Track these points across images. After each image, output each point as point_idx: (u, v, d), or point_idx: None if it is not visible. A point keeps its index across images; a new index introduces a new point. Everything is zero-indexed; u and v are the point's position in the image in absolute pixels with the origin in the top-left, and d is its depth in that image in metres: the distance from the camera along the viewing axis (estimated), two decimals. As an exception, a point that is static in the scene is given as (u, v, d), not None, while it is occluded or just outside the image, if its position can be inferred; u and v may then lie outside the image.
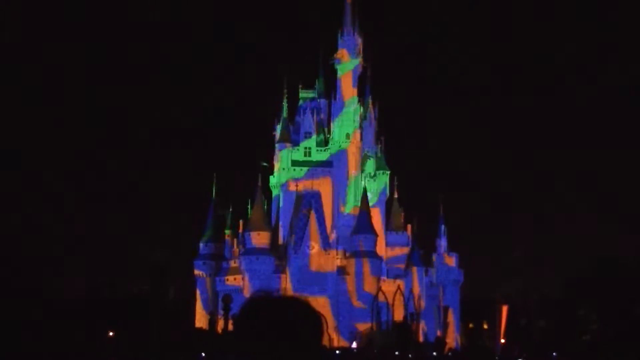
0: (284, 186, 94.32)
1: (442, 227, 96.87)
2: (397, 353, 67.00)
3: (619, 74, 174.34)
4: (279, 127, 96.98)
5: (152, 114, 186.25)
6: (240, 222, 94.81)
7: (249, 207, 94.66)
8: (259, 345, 2.65)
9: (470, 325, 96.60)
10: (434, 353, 73.18)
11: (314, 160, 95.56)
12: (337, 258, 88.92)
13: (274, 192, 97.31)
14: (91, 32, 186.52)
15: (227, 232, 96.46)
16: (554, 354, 73.67)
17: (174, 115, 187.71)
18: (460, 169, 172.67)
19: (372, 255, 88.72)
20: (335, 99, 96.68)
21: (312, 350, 2.71)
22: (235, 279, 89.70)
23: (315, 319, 2.78)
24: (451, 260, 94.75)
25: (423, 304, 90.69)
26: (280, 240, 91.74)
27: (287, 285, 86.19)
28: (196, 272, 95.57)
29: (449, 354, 75.71)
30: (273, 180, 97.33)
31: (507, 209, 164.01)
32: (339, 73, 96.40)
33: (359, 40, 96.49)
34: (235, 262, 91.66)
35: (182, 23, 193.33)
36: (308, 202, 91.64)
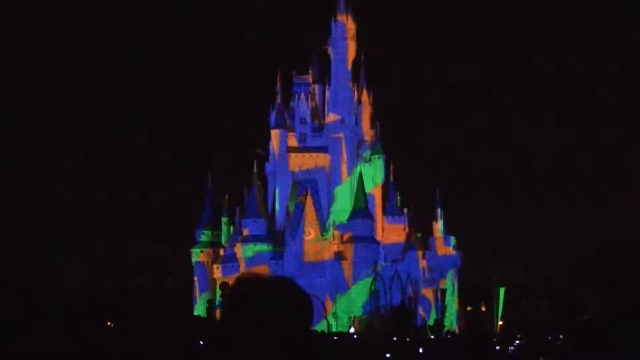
0: (280, 173, 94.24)
1: (439, 210, 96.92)
2: (395, 338, 67.06)
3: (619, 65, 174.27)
4: (273, 113, 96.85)
5: (148, 103, 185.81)
6: (237, 209, 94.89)
7: (245, 194, 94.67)
8: (244, 327, 2.60)
9: (469, 308, 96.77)
10: (432, 337, 73.29)
11: (310, 146, 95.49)
12: (334, 243, 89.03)
13: (270, 179, 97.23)
14: (90, 30, 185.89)
15: (224, 219, 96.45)
16: (552, 336, 73.71)
17: (168, 105, 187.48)
18: (457, 151, 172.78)
19: (369, 240, 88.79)
20: (329, 84, 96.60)
21: (300, 329, 2.67)
22: (233, 266, 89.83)
23: (302, 297, 2.74)
24: (448, 243, 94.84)
25: (421, 287, 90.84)
26: (278, 227, 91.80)
27: (284, 271, 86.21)
28: (194, 260, 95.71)
29: (448, 337, 75.82)
30: (269, 166, 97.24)
31: (504, 190, 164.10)
32: (333, 58, 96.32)
33: (353, 24, 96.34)
34: (232, 250, 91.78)
35: (175, 12, 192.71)
36: (304, 188, 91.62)
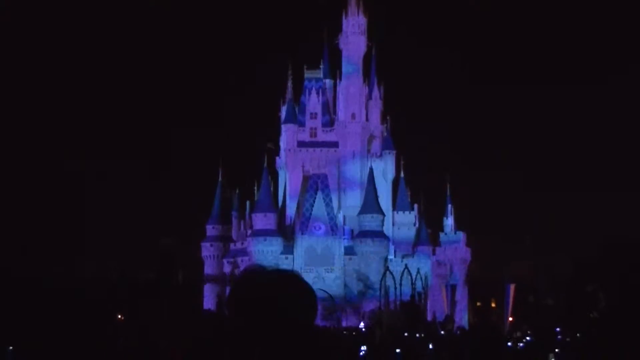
0: (290, 167, 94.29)
1: (449, 206, 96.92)
2: (405, 333, 67.06)
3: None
4: (284, 108, 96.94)
5: (158, 97, 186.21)
6: (247, 203, 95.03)
7: (255, 188, 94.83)
8: (248, 320, 2.63)
9: (478, 304, 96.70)
10: (442, 332, 73.24)
11: (320, 140, 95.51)
12: (344, 238, 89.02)
13: (281, 173, 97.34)
14: (96, 25, 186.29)
15: (234, 214, 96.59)
16: (557, 329, 73.61)
17: (179, 98, 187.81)
18: (468, 147, 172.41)
19: (379, 235, 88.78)
20: (340, 79, 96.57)
21: (304, 323, 2.68)
22: (242, 260, 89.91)
23: (306, 291, 2.75)
24: (458, 239, 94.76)
25: (431, 283, 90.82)
26: (288, 221, 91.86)
27: (294, 265, 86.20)
28: (204, 254, 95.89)
29: (457, 332, 75.76)
30: (279, 161, 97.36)
31: (514, 186, 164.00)
32: (344, 53, 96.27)
33: (363, 20, 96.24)
34: (242, 244, 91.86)
35: (185, 5, 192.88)
36: (314, 182, 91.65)
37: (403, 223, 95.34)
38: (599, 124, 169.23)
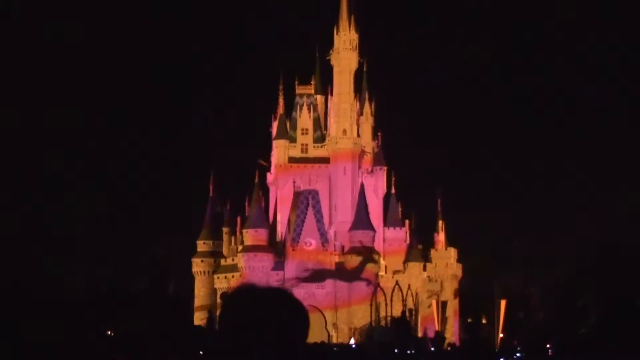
0: (281, 183, 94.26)
1: (440, 222, 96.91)
2: (396, 350, 66.94)
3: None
4: (275, 124, 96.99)
5: (149, 110, 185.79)
6: (238, 219, 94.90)
7: (246, 204, 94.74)
8: (240, 337, 2.63)
9: (469, 320, 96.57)
10: (433, 348, 73.07)
11: (311, 156, 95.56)
12: (335, 254, 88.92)
13: (272, 189, 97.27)
14: (89, 30, 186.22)
15: (225, 229, 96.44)
16: (548, 345, 73.54)
17: (170, 112, 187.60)
18: (459, 162, 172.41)
19: (371, 251, 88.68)
20: (331, 94, 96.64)
21: (296, 340, 2.69)
22: (233, 276, 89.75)
23: (298, 309, 2.76)
24: (449, 255, 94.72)
25: (422, 299, 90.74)
26: (279, 237, 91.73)
27: (285, 282, 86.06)
28: (194, 269, 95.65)
29: (448, 348, 75.63)
30: (270, 177, 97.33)
31: (506, 202, 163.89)
32: (335, 69, 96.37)
33: (355, 36, 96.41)
34: (233, 260, 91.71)
35: (178, 16, 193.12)
36: (305, 198, 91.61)
37: (394, 239, 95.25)
38: (590, 127, 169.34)
